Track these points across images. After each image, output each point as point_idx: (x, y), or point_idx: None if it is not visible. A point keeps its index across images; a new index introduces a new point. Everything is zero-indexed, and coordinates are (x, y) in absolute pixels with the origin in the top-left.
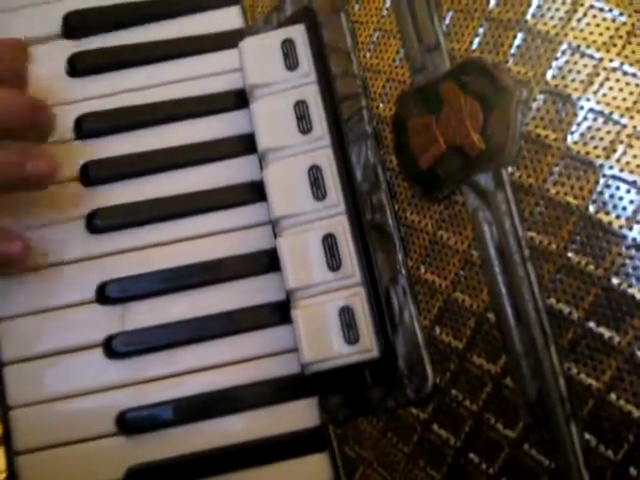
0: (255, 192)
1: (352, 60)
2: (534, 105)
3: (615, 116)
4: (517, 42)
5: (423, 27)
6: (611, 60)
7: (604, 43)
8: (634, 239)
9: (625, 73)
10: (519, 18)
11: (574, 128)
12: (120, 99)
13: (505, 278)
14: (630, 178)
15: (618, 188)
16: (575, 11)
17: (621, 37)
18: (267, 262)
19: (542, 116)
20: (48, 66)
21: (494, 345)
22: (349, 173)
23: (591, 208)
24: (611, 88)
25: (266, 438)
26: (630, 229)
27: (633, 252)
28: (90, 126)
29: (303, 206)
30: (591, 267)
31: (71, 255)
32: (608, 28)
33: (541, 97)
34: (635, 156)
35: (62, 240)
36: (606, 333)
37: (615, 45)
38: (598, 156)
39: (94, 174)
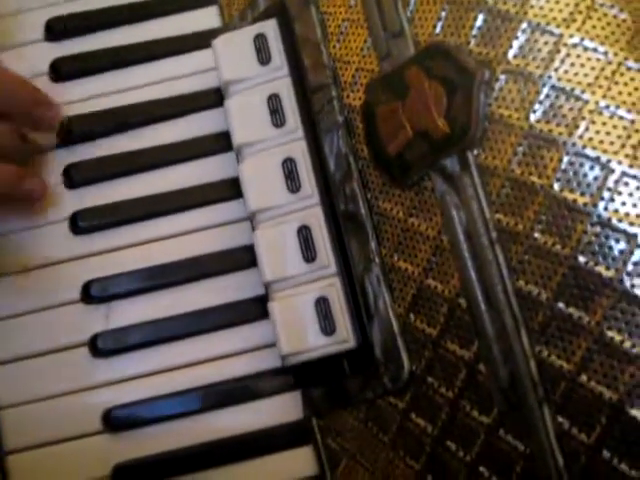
0: (235, 188)
1: (322, 51)
2: (497, 85)
3: (577, 92)
4: (478, 23)
5: (388, 14)
6: (571, 36)
7: (564, 19)
8: (599, 216)
9: (586, 48)
10: None
11: (536, 106)
12: (101, 102)
13: (474, 262)
14: (593, 154)
15: (582, 165)
16: None
17: (581, 12)
18: (249, 257)
19: (505, 96)
20: (30, 70)
21: (467, 331)
22: (322, 164)
23: (556, 186)
24: (572, 64)
25: (251, 432)
26: (595, 206)
27: (598, 229)
28: (72, 130)
29: (278, 199)
30: (558, 247)
31: (55, 256)
32: (568, 4)
33: (503, 77)
34: (598, 132)
35: (46, 242)
36: (575, 313)
37: (575, 21)
38: (561, 133)
39: (76, 176)
